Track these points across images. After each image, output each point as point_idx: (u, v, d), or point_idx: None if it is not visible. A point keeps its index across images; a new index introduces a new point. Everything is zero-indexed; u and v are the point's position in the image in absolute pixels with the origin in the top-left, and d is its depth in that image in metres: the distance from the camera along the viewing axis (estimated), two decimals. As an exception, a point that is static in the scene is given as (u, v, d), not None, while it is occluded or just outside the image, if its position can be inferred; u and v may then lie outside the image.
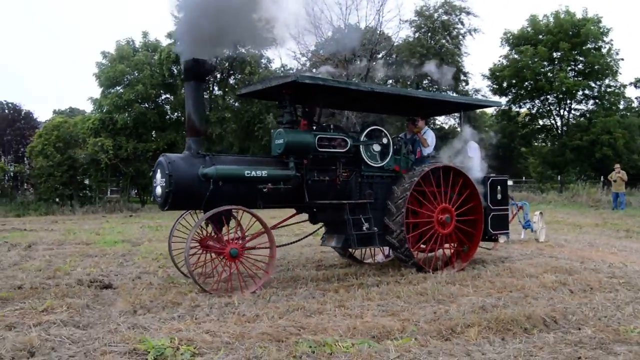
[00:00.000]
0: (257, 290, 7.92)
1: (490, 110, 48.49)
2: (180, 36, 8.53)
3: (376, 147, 9.40)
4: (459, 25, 43.36)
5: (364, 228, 9.03)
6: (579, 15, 40.83)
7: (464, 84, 44.78)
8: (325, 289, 8.03)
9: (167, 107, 37.15)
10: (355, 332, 5.78)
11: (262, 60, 42.71)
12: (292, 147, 8.61)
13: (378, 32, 43.27)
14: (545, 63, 41.28)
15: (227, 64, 40.16)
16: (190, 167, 8.09)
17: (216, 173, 7.99)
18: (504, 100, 45.07)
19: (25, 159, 35.08)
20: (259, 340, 5.49)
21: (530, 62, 40.21)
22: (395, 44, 43.94)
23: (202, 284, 7.83)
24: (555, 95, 41.82)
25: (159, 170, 8.18)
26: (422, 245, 9.56)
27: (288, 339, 5.55)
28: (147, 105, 33.87)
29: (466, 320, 6.14)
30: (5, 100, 39.27)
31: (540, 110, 44.46)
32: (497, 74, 43.80)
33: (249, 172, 8.26)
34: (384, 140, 9.50)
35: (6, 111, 37.91)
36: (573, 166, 41.69)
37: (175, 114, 36.40)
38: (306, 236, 10.45)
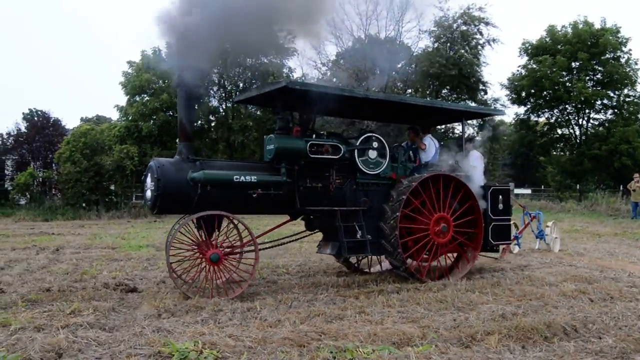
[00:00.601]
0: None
1: (508, 120, 48.23)
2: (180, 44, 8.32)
3: (372, 155, 9.13)
4: (478, 36, 43.18)
5: (358, 235, 8.86)
6: (597, 26, 40.42)
7: (482, 93, 44.53)
8: (346, 295, 8.00)
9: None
10: (376, 338, 5.74)
11: (284, 70, 42.86)
12: (282, 153, 8.49)
13: (397, 42, 43.28)
14: (563, 73, 40.85)
15: (249, 73, 40.33)
16: (179, 172, 8.04)
17: (204, 177, 7.94)
18: (522, 109, 44.80)
19: (53, 165, 35.36)
20: (281, 345, 5.48)
21: (548, 71, 39.83)
22: (414, 54, 43.89)
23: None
24: (573, 104, 41.34)
25: (149, 175, 8.19)
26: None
27: (309, 344, 5.52)
28: (171, 114, 34.06)
29: (486, 327, 6.08)
30: (34, 108, 39.67)
31: (559, 119, 43.98)
32: (516, 83, 43.49)
33: (237, 177, 8.19)
34: (380, 148, 9.23)
35: (35, 119, 38.24)
36: (592, 175, 41.16)
37: (199, 122, 36.56)
38: (289, 241, 10.09)
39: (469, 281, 9.04)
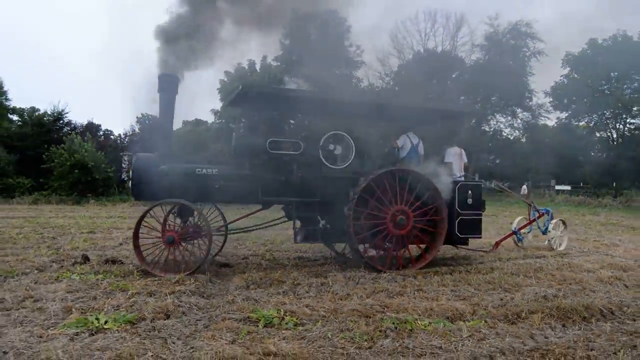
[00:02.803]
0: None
1: (551, 123, 46.60)
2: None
3: (338, 150, 8.60)
4: (525, 49, 41.91)
5: (320, 225, 8.52)
6: (635, 39, 38.48)
7: (528, 100, 43.24)
8: (405, 275, 7.93)
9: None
10: (432, 313, 5.70)
11: (353, 80, 42.81)
12: (241, 149, 8.38)
13: (452, 55, 42.53)
14: (603, 82, 39.18)
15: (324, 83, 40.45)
16: (152, 165, 8.06)
17: (169, 170, 7.96)
18: (564, 114, 43.22)
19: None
20: (350, 315, 5.52)
21: (589, 81, 38.29)
22: (467, 65, 43.05)
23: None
24: (612, 110, 39.60)
25: (130, 167, 8.27)
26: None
27: (374, 315, 5.54)
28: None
29: (530, 307, 5.93)
30: (146, 113, 41.06)
31: (598, 123, 42.23)
32: (559, 91, 42.01)
33: (200, 169, 8.12)
34: (346, 144, 8.63)
35: (147, 122, 39.60)
36: (628, 174, 39.31)
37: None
38: (257, 228, 9.51)
39: (514, 266, 8.81)
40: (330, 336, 4.83)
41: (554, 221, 11.60)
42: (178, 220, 8.33)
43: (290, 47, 40.01)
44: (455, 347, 4.62)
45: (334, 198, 8.44)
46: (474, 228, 9.19)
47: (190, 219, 8.34)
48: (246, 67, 36.19)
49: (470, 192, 9.12)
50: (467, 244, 9.59)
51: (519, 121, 44.71)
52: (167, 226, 8.34)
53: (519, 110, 44.09)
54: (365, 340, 4.76)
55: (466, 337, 4.89)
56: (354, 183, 8.41)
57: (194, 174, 8.08)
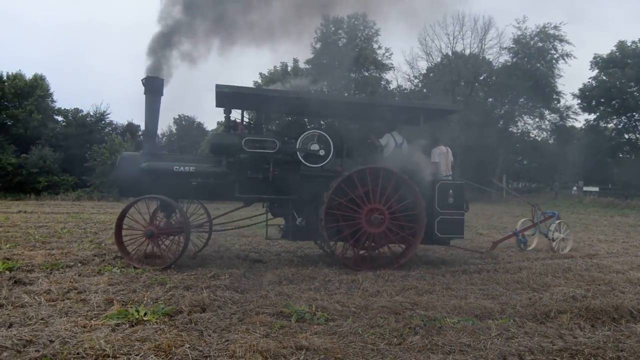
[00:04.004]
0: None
1: (579, 125, 45.57)
2: None
3: (315, 148, 8.35)
4: (553, 51, 41.10)
5: (297, 222, 8.35)
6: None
7: (556, 102, 42.40)
8: (434, 273, 7.86)
9: (305, 120, 37.90)
10: (461, 311, 5.62)
11: (382, 82, 42.66)
12: (216, 147, 8.34)
13: (480, 58, 41.97)
14: (632, 84, 38.13)
15: (353, 85, 40.40)
16: (135, 163, 8.14)
17: (148, 167, 8.02)
18: (592, 116, 42.20)
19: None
20: (380, 312, 5.49)
21: (617, 83, 37.32)
22: (495, 68, 42.44)
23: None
24: (640, 112, 38.57)
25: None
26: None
27: (404, 312, 5.50)
28: (290, 119, 34.80)
29: (559, 307, 5.80)
30: (182, 114, 41.66)
31: (626, 125, 41.11)
32: (587, 93, 41.05)
33: (177, 167, 8.14)
34: (324, 143, 8.40)
35: (183, 122, 40.17)
36: (656, 176, 38.16)
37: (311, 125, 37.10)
38: (244, 226, 9.81)
39: (542, 266, 8.64)
40: (360, 332, 4.81)
41: (555, 222, 10.89)
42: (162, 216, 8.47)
43: (321, 51, 40.11)
44: (484, 345, 4.54)
45: (312, 196, 8.32)
46: (455, 228, 8.73)
47: (174, 215, 8.40)
48: (279, 69, 36.40)
49: (451, 191, 8.70)
50: (448, 244, 9.28)
51: (546, 123, 43.89)
52: (155, 221, 8.37)
53: (546, 112, 43.27)
54: (395, 336, 4.72)
55: (495, 336, 4.81)
56: (332, 181, 8.25)
57: (172, 172, 8.15)
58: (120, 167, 8.28)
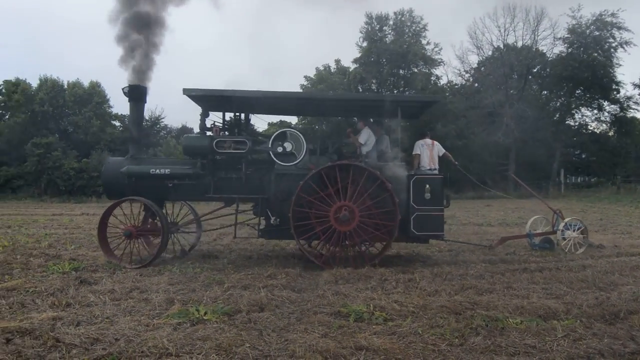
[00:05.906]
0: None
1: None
2: None
3: (288, 148, 8.27)
4: (611, 40, 39.33)
5: (272, 221, 8.24)
6: None
7: (615, 93, 40.58)
8: (493, 272, 7.66)
9: (355, 118, 38.02)
10: (523, 311, 5.43)
11: (432, 78, 42.06)
12: (188, 149, 8.42)
13: (533, 49, 40.71)
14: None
15: (402, 82, 40.02)
16: (118, 167, 8.52)
17: (127, 171, 8.38)
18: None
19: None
20: (439, 311, 5.38)
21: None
22: (549, 59, 41.06)
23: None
24: None
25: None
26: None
27: (464, 312, 5.37)
28: (339, 118, 34.98)
29: (629, 307, 5.53)
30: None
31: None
32: (648, 82, 39.17)
33: (153, 170, 8.40)
34: (296, 142, 8.30)
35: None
36: None
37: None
38: (229, 225, 9.89)
39: (608, 264, 8.27)
40: (420, 332, 4.72)
41: (564, 221, 9.89)
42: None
43: (368, 49, 39.87)
44: (550, 347, 4.37)
45: (286, 195, 8.19)
46: (434, 225, 8.24)
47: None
48: (322, 70, 36.55)
49: (427, 186, 8.21)
50: (427, 242, 8.96)
51: (605, 114, 42.05)
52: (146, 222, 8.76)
53: (605, 103, 41.47)
54: (456, 337, 4.61)
55: (561, 337, 4.62)
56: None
57: (148, 175, 8.46)
58: (105, 172, 8.82)
